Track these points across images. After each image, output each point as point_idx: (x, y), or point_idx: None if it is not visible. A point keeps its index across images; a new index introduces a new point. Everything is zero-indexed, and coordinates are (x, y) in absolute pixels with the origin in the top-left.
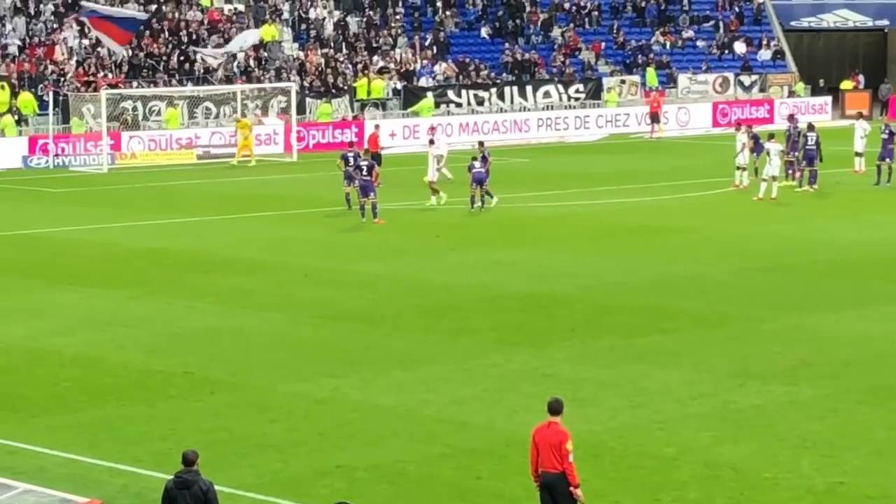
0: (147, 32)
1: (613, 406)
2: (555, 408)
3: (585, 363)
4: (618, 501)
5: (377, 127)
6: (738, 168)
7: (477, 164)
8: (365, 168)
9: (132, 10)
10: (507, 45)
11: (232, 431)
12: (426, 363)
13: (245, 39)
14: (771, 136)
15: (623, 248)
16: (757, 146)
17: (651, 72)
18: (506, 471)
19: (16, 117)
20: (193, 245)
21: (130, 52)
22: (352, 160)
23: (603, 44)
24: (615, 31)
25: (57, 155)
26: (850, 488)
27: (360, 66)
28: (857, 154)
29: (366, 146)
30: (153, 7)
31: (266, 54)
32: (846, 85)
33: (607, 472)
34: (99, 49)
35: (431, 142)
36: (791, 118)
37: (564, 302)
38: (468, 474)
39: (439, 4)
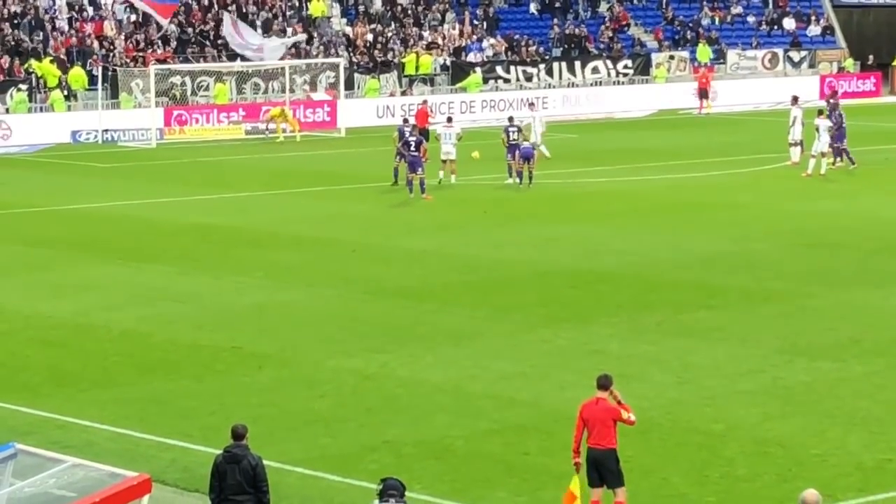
0: (195, 6)
1: (661, 382)
2: (603, 383)
3: (633, 339)
4: (665, 478)
5: (425, 102)
6: (792, 144)
7: (513, 133)
8: (413, 143)
9: None
10: (555, 20)
11: (280, 406)
12: (474, 339)
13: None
14: (819, 112)
15: (671, 225)
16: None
17: (703, 47)
18: (553, 447)
19: (65, 92)
20: (241, 221)
21: (178, 28)
22: (407, 135)
23: (662, 32)
24: (664, 6)
25: (106, 130)
26: None
27: (408, 42)
28: None
29: (413, 121)
30: None
31: (314, 30)
32: None
33: (655, 449)
34: (147, 24)
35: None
36: (833, 94)
37: (612, 278)
38: (515, 450)
39: None
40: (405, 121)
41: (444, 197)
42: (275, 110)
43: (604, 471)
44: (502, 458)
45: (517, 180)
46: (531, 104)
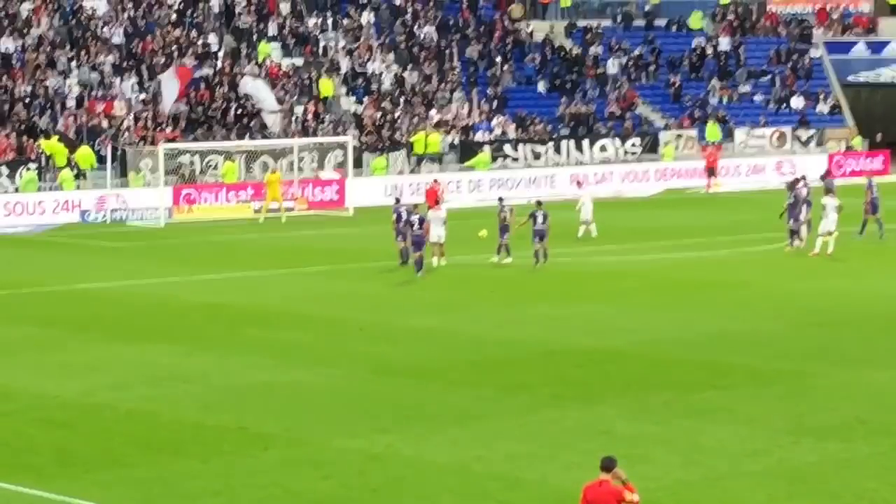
0: (203, 86)
1: (668, 463)
2: (607, 465)
3: (640, 419)
4: None
5: (436, 181)
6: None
7: (540, 219)
8: (417, 222)
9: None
10: (563, 98)
11: (285, 487)
12: (480, 419)
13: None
14: (827, 191)
15: (679, 304)
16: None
17: (712, 126)
18: None
19: (74, 171)
20: (249, 299)
21: (187, 107)
22: (404, 216)
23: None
24: (671, 85)
25: (115, 210)
26: None
27: (416, 121)
28: None
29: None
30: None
31: (323, 108)
32: None
33: None
34: (156, 104)
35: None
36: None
37: (619, 357)
38: None
39: (498, 60)
40: (397, 200)
41: (451, 276)
42: (274, 175)
43: None
44: None
45: (535, 260)
46: (579, 182)
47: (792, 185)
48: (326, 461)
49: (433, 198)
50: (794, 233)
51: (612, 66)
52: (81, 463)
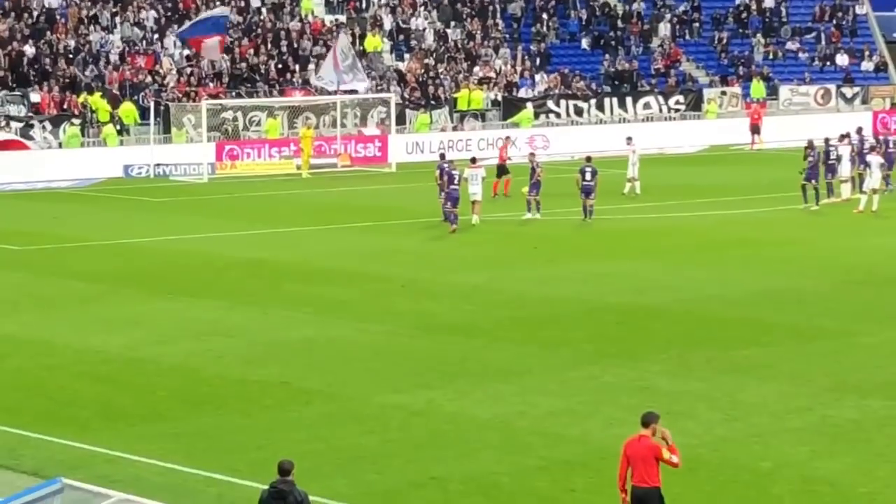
0: (246, 41)
1: (709, 419)
2: (647, 420)
3: (682, 376)
4: None
5: (508, 138)
6: (843, 181)
7: (588, 175)
8: (456, 178)
9: (215, 10)
10: (607, 55)
11: (327, 442)
12: (522, 375)
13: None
14: (872, 149)
15: (722, 261)
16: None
17: (757, 83)
18: (600, 484)
19: (117, 127)
20: (291, 255)
21: (230, 63)
22: (448, 169)
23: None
24: (716, 42)
25: (158, 164)
26: None
27: (459, 77)
28: None
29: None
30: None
31: (366, 64)
32: None
33: (703, 486)
34: (199, 60)
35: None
36: (859, 131)
37: (662, 314)
38: (562, 487)
39: (544, 17)
40: (442, 157)
41: (495, 232)
42: (308, 130)
43: None
44: (549, 494)
45: (585, 217)
46: (629, 138)
47: (810, 145)
48: (368, 416)
49: (502, 154)
50: (803, 188)
51: (660, 27)
52: (125, 417)
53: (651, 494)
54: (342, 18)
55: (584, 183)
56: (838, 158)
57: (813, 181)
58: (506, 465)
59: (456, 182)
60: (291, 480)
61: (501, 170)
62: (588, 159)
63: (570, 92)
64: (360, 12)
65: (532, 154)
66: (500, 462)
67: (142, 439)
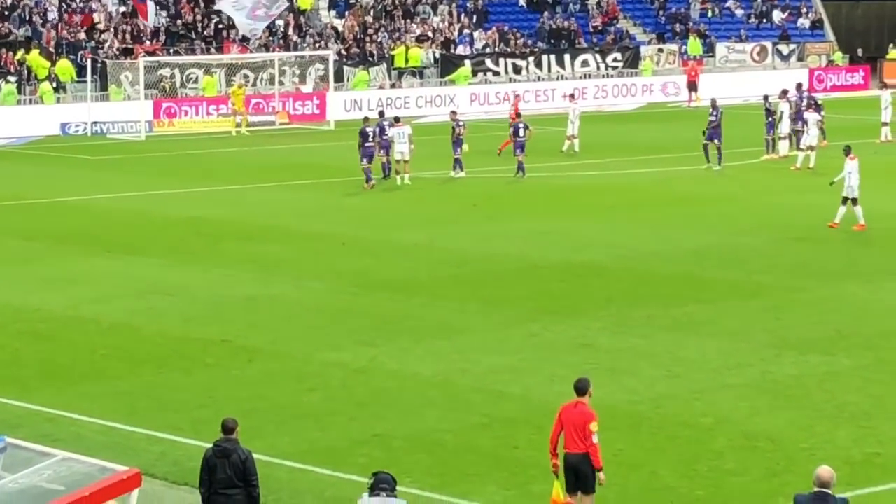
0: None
1: (650, 376)
2: (581, 388)
3: (622, 333)
4: (654, 471)
5: (518, 96)
6: (782, 137)
7: (521, 130)
8: (371, 135)
9: None
10: (545, 13)
11: (270, 400)
12: (463, 332)
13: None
14: (809, 106)
15: (660, 218)
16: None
17: (694, 41)
18: (542, 441)
19: (54, 84)
20: (231, 213)
21: (168, 20)
22: (386, 129)
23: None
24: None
25: (95, 122)
26: (886, 459)
27: (396, 35)
28: (884, 123)
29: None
30: None
31: (303, 21)
32: (893, 55)
33: (644, 442)
34: (136, 17)
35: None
36: (798, 87)
37: (602, 272)
38: (505, 444)
39: None
40: (381, 114)
41: (434, 190)
42: (238, 88)
43: (580, 475)
44: (492, 451)
45: (518, 173)
46: (571, 96)
47: (713, 105)
48: (311, 374)
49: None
50: (705, 147)
51: None
52: (66, 375)
53: (583, 460)
54: None
55: (518, 139)
56: (780, 115)
57: (715, 140)
58: (448, 423)
59: (370, 140)
60: (235, 439)
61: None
62: (518, 115)
63: (508, 50)
64: None
65: (453, 112)
66: (443, 419)
67: (83, 398)
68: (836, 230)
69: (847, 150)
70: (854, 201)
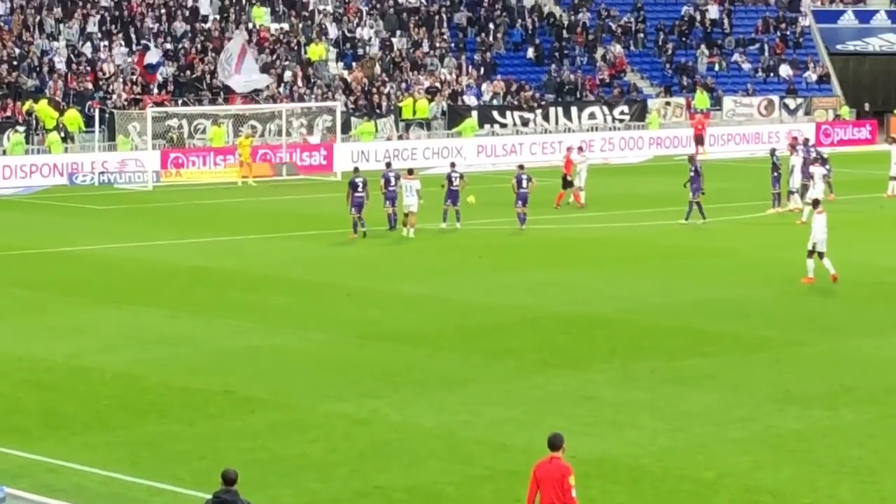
0: (192, 50)
1: (653, 429)
2: (555, 443)
3: (626, 386)
4: None
5: (569, 148)
6: (791, 191)
7: (523, 182)
8: (360, 185)
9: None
10: (552, 66)
11: (271, 451)
12: (467, 384)
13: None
14: (815, 160)
15: (665, 271)
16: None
17: (700, 94)
18: None
19: (62, 134)
20: (236, 264)
21: (176, 71)
22: (392, 181)
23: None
24: (660, 53)
25: (102, 172)
26: None
27: (404, 86)
28: (892, 178)
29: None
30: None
31: (311, 72)
32: None
33: (646, 496)
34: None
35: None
36: (805, 142)
37: (606, 324)
38: (507, 496)
39: (491, 26)
40: (388, 165)
41: (439, 241)
42: (246, 139)
43: None
44: None
45: (519, 223)
46: (580, 148)
47: (691, 159)
48: (313, 425)
49: (568, 166)
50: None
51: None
52: (68, 425)
53: None
54: (287, 27)
55: (521, 191)
56: (791, 168)
57: (695, 196)
58: (450, 475)
59: (360, 190)
60: (235, 490)
61: (565, 181)
62: (521, 167)
63: (515, 102)
64: (306, 21)
65: (452, 164)
66: (445, 471)
67: (85, 448)
68: (842, 285)
69: (815, 204)
70: (820, 255)
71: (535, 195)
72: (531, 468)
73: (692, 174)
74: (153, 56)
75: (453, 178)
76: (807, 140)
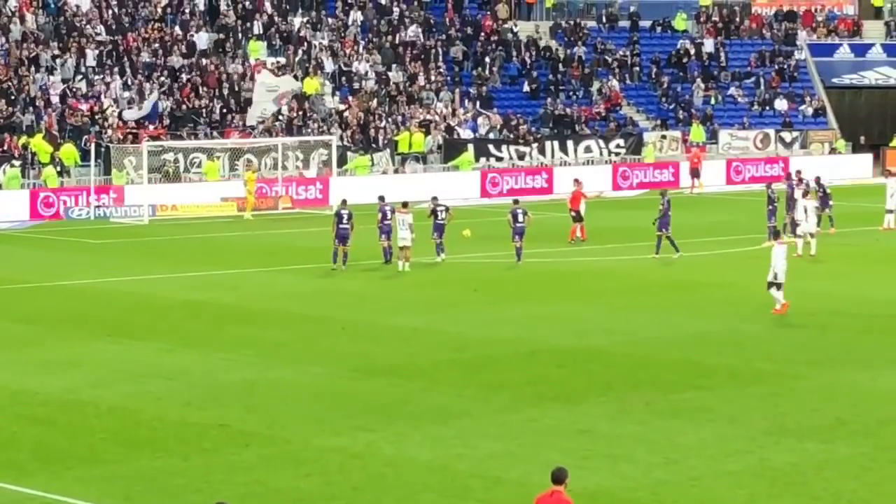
0: (188, 85)
1: (648, 462)
2: (559, 477)
3: (621, 419)
4: None
5: (577, 182)
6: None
7: (519, 216)
8: (346, 217)
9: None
10: (548, 99)
11: (266, 485)
12: (462, 417)
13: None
14: (805, 193)
15: (660, 304)
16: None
17: (696, 127)
18: None
19: (58, 168)
20: (231, 297)
21: (172, 105)
22: (388, 214)
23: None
24: (656, 86)
25: (98, 206)
26: None
27: (400, 120)
28: (889, 211)
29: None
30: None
31: (307, 106)
32: None
33: None
34: (141, 102)
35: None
36: (797, 174)
37: (601, 357)
38: None
39: (487, 60)
40: (382, 199)
41: (434, 275)
42: (251, 174)
43: None
44: None
45: (517, 258)
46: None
47: (663, 193)
48: (308, 459)
49: (577, 200)
50: (659, 238)
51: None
52: (62, 459)
53: None
54: (283, 61)
55: (518, 224)
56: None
57: (664, 230)
58: None
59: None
60: None
61: (577, 216)
62: (516, 201)
63: (511, 136)
64: (302, 55)
65: (434, 197)
66: None
67: (79, 482)
68: (838, 317)
69: (776, 235)
70: (778, 286)
71: (531, 228)
72: (532, 502)
73: (661, 209)
74: (147, 107)
75: (438, 212)
76: (798, 172)
